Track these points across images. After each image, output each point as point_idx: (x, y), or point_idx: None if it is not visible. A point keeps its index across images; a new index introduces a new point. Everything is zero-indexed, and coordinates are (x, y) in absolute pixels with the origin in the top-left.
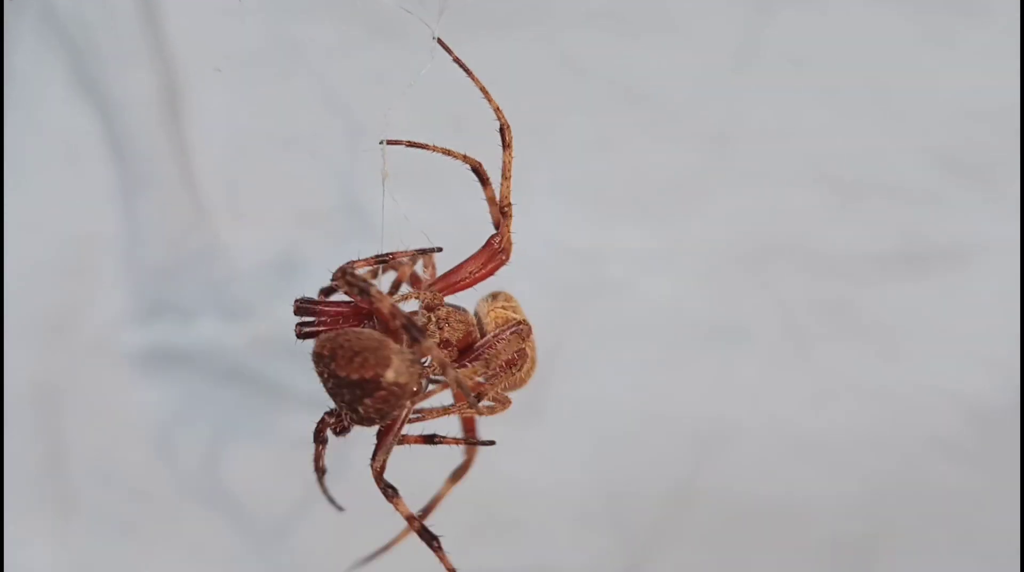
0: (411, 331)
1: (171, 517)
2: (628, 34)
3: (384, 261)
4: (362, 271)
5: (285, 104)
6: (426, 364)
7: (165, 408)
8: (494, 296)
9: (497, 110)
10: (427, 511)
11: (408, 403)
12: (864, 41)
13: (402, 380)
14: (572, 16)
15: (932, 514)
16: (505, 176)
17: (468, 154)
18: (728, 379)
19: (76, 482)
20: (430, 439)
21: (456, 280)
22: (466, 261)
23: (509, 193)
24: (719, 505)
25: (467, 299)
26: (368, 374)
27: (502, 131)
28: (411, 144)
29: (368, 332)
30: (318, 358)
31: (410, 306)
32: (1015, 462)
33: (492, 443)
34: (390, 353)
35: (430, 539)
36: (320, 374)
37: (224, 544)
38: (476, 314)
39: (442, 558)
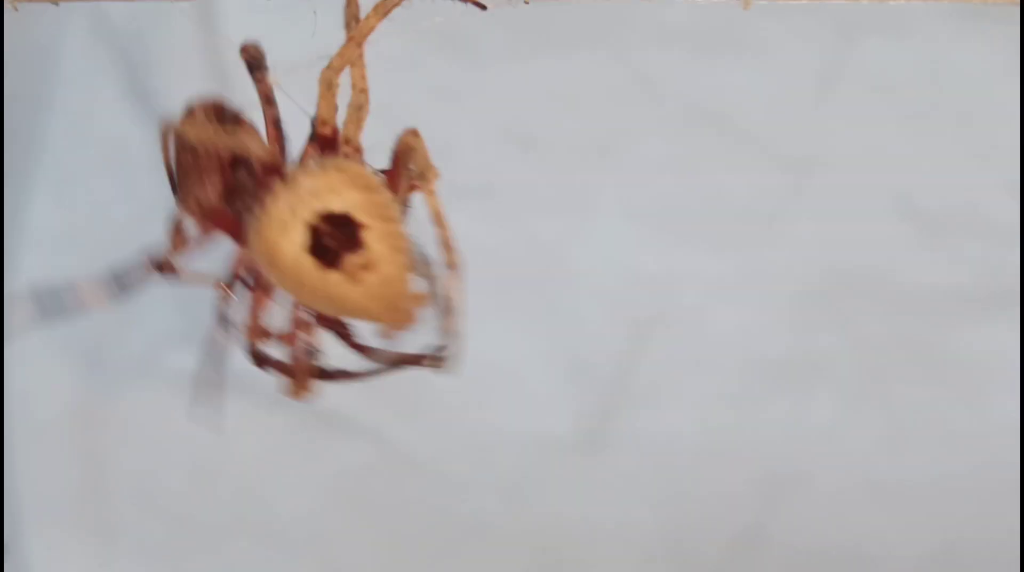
0: None
1: (213, 545)
2: (706, 55)
3: None
4: None
5: (339, 115)
6: None
7: (210, 433)
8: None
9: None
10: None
11: None
12: (950, 71)
13: None
14: (647, 35)
15: (1012, 565)
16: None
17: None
18: (801, 418)
19: (116, 507)
20: None
21: None
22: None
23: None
24: (787, 551)
25: None
26: None
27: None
28: None
29: None
30: None
31: None
32: None
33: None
34: None
35: None
36: None
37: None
38: None
39: None
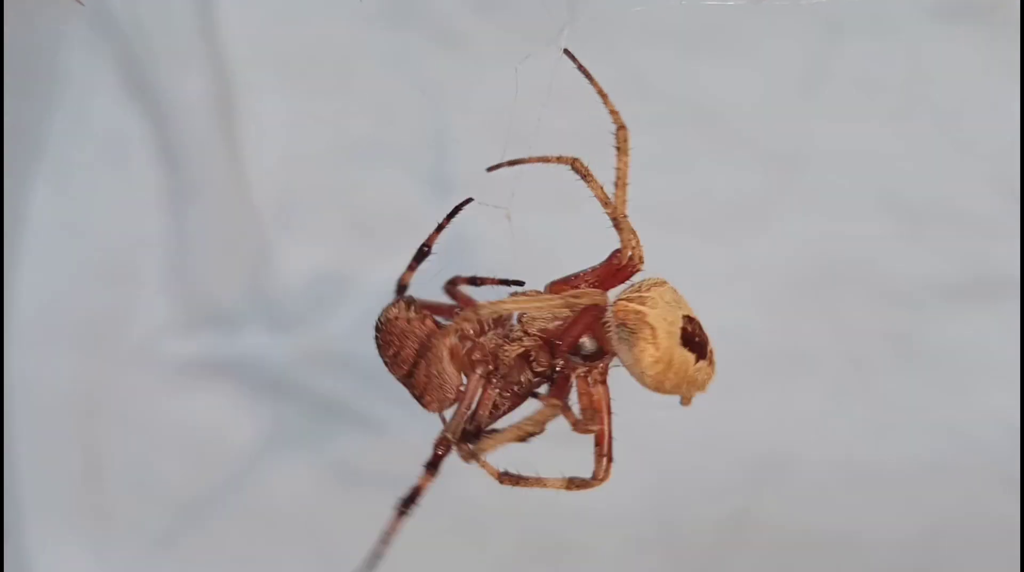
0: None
1: (209, 530)
2: (695, 54)
3: (475, 283)
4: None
5: (340, 113)
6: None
7: (207, 420)
8: (633, 282)
9: (614, 112)
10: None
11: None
12: (933, 68)
13: (391, 315)
14: (639, 35)
15: (992, 549)
16: (619, 184)
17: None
18: (788, 407)
19: (114, 492)
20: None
21: (576, 285)
22: (587, 270)
23: (623, 203)
24: (775, 535)
25: None
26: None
27: (618, 133)
28: (512, 163)
29: None
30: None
31: None
32: None
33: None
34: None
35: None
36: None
37: (263, 559)
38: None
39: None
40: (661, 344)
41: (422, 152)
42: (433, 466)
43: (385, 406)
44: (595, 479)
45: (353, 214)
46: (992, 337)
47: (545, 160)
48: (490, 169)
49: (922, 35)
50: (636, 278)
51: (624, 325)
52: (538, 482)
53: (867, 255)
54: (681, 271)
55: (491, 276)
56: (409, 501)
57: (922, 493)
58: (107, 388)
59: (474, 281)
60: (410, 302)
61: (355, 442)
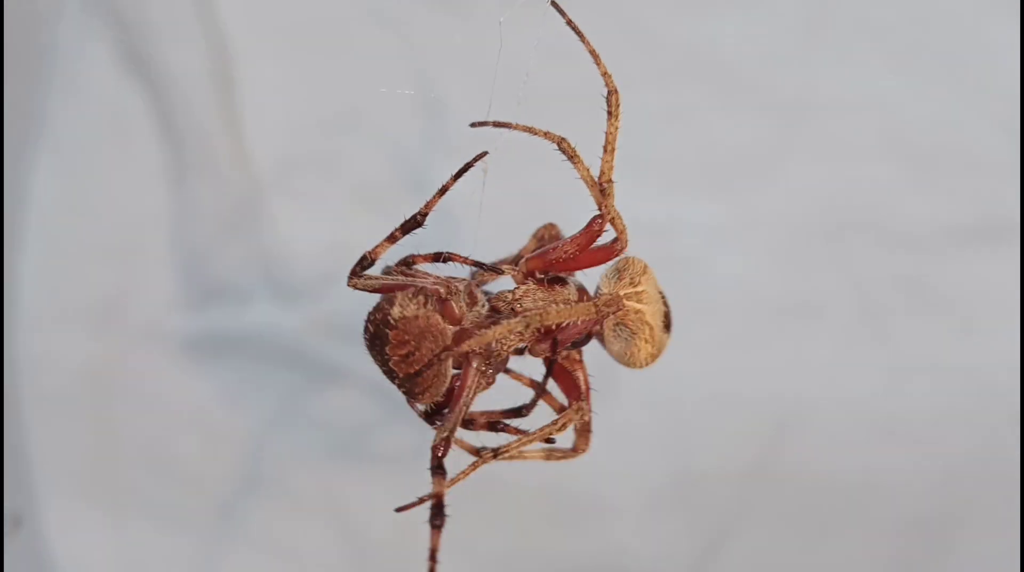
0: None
1: (224, 506)
2: (697, 4)
3: (441, 258)
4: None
5: (339, 79)
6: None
7: (218, 395)
8: (619, 270)
9: (606, 74)
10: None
11: (447, 360)
12: (936, 11)
13: (408, 313)
14: None
15: (1011, 491)
16: (607, 149)
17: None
18: (802, 357)
19: (128, 470)
20: (495, 426)
21: (554, 258)
22: (565, 240)
23: (611, 168)
24: (794, 485)
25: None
26: (378, 318)
27: (609, 97)
28: (497, 124)
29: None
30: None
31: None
32: None
33: (553, 441)
34: (396, 294)
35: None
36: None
37: (280, 533)
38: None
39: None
40: (656, 339)
41: (424, 117)
42: (439, 469)
43: None
44: (577, 451)
45: (355, 183)
46: (1002, 279)
47: (531, 131)
48: (473, 125)
49: None
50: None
51: (624, 325)
52: (519, 455)
53: (875, 201)
54: (690, 224)
55: (461, 255)
56: (437, 513)
57: (938, 437)
58: (117, 367)
59: (439, 257)
60: (426, 296)
61: (367, 412)
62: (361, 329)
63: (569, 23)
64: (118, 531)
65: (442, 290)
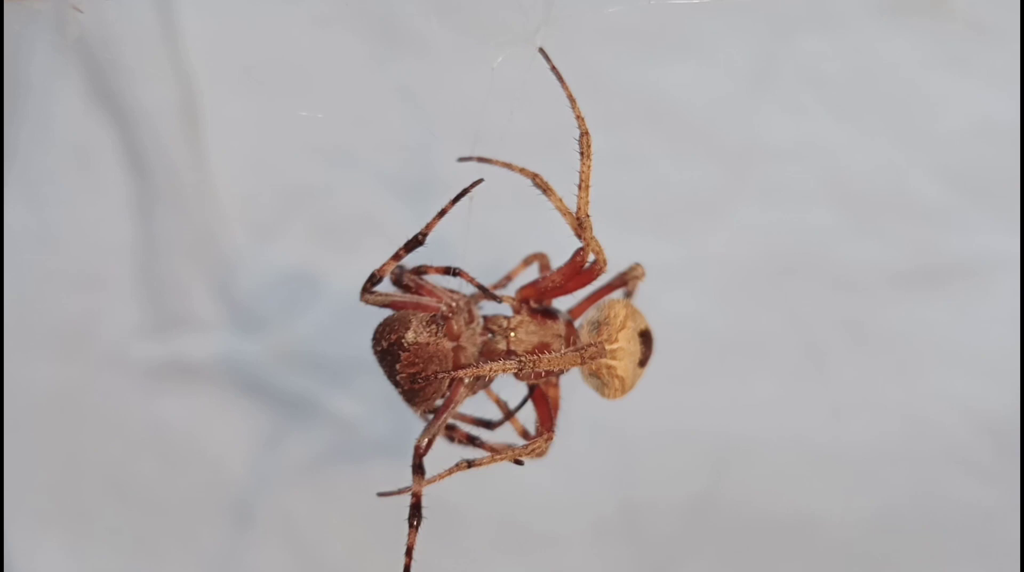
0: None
1: (186, 532)
2: (649, 52)
3: (451, 273)
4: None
5: (305, 116)
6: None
7: (181, 422)
8: (599, 323)
9: (580, 118)
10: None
11: (446, 379)
12: (878, 63)
13: (422, 340)
14: (594, 33)
15: (947, 528)
16: (581, 186)
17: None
18: (746, 394)
19: (91, 494)
20: (472, 440)
21: (544, 288)
22: (554, 272)
23: (586, 204)
24: (736, 518)
25: None
26: (393, 338)
27: (581, 139)
28: (480, 160)
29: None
30: (373, 344)
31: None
32: None
33: (521, 464)
34: (412, 318)
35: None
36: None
37: (239, 559)
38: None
39: (412, 536)
40: (627, 384)
41: (388, 155)
42: (420, 468)
43: (355, 405)
44: (538, 454)
45: (319, 217)
46: (941, 321)
47: (509, 167)
48: (460, 160)
49: (869, 30)
50: (601, 280)
51: (597, 376)
52: (490, 460)
53: (818, 244)
54: (639, 264)
55: (468, 274)
56: (415, 513)
57: (879, 475)
58: (81, 393)
59: (449, 271)
60: (438, 325)
61: (327, 441)
62: (371, 338)
63: (553, 69)
64: (79, 555)
65: (445, 308)
